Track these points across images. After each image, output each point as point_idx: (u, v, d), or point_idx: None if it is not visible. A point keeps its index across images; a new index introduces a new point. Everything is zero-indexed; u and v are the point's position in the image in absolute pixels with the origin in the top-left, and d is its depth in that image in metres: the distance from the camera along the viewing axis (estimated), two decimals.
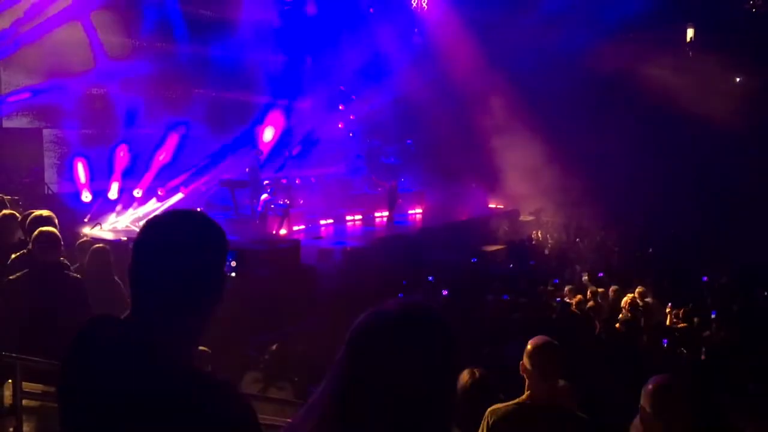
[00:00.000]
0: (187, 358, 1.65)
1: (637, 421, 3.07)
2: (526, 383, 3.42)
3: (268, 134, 17.87)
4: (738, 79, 21.84)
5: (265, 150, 17.38)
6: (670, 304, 8.87)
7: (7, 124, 14.26)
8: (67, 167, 14.65)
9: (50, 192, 14.30)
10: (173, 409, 1.52)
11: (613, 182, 19.78)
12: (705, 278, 11.52)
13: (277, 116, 18.16)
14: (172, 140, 15.73)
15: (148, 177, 15.40)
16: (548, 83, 19.63)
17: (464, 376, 3.92)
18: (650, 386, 2.98)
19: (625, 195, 19.37)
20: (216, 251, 1.72)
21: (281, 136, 18.25)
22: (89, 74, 14.87)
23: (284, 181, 17.14)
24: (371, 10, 21.20)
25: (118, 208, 14.45)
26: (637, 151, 20.05)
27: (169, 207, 13.97)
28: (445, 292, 10.23)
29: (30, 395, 4.63)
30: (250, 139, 17.34)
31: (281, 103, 18.41)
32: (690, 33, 22.46)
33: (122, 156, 14.88)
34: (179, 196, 15.46)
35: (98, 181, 14.78)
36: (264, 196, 15.29)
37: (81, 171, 14.35)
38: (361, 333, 1.50)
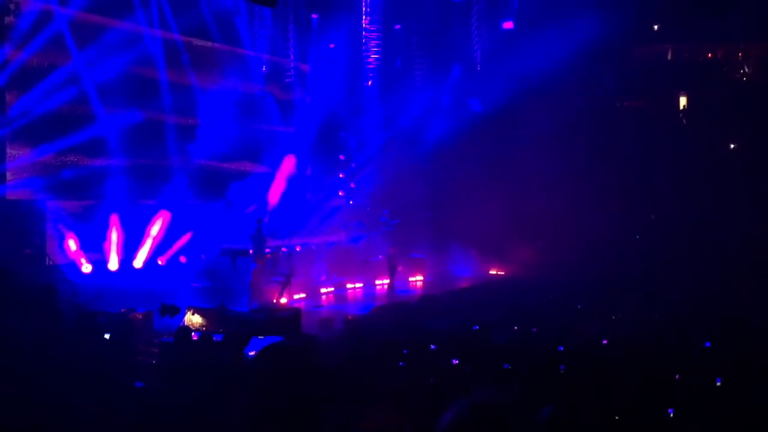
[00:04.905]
0: None
1: None
2: None
3: (268, 202, 17.98)
4: (732, 146, 22.12)
5: (266, 218, 17.43)
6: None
7: (11, 195, 14.37)
8: (61, 239, 14.72)
9: (51, 263, 14.29)
10: None
11: (612, 249, 19.77)
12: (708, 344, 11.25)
13: (277, 184, 18.31)
14: (166, 212, 15.87)
15: (146, 246, 15.46)
16: (546, 151, 19.91)
17: None
18: None
19: (624, 258, 19.31)
20: None
21: (280, 204, 18.35)
22: (88, 132, 15.11)
23: (285, 249, 17.14)
24: (369, 83, 21.69)
25: None
26: (637, 219, 20.20)
27: None
28: (455, 361, 10.08)
29: None
30: (250, 207, 17.43)
31: (280, 172, 18.59)
32: (683, 101, 22.88)
33: (116, 227, 15.00)
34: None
35: (97, 252, 14.86)
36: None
37: (72, 244, 14.45)
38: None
